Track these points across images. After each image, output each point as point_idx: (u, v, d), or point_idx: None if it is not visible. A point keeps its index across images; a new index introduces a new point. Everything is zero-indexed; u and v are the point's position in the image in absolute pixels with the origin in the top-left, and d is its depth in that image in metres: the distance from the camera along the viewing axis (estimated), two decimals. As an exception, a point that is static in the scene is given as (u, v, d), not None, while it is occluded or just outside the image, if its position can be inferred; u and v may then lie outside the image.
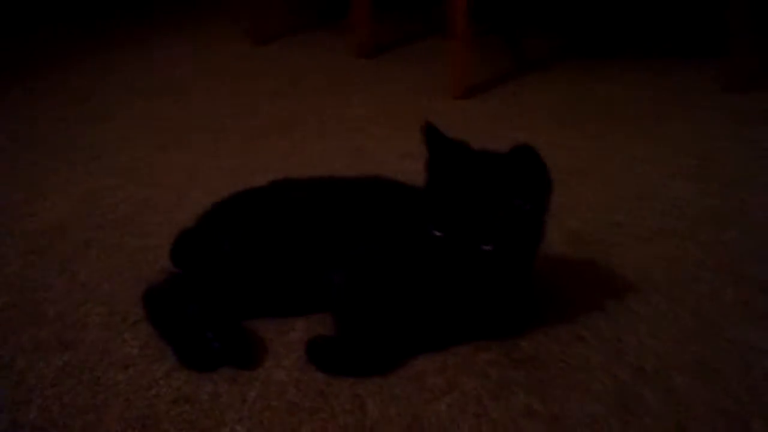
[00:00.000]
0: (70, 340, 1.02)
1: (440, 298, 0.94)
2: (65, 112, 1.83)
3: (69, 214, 1.35)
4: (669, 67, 1.99)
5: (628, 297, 1.06)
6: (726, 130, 1.61)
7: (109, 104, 1.89)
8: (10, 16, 2.52)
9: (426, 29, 2.38)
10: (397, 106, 1.83)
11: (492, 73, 1.98)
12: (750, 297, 1.05)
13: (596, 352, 0.95)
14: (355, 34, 2.21)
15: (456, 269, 0.90)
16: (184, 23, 2.59)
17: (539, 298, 1.02)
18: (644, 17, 2.34)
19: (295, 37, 2.38)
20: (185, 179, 1.48)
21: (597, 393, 0.88)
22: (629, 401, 0.87)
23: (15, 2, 2.58)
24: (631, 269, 1.13)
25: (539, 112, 1.75)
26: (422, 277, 0.94)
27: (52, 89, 1.98)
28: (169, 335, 0.97)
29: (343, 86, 1.99)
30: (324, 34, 2.39)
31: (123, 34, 2.46)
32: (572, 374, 0.91)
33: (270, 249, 1.03)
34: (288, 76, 2.07)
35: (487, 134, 1.61)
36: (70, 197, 1.41)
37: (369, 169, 1.44)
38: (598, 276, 1.12)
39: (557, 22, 2.39)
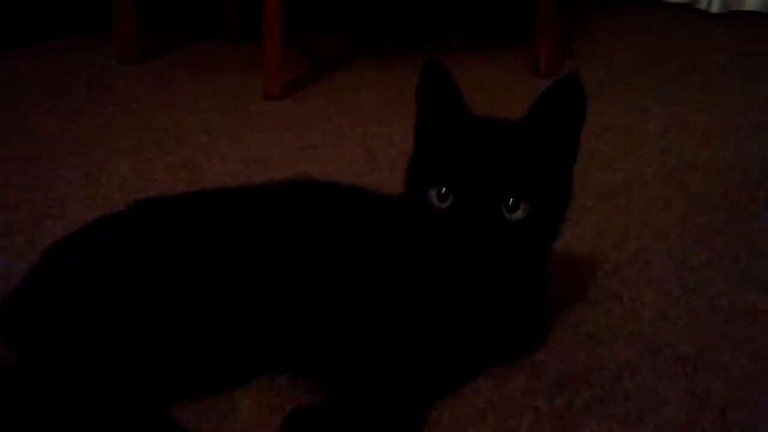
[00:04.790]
0: None
1: (450, 308, 0.69)
2: None
3: None
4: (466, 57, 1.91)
5: (601, 281, 0.92)
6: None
7: None
8: None
9: (194, 33, 2.06)
10: (211, 113, 1.51)
11: (295, 74, 1.74)
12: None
13: (622, 349, 0.78)
14: (118, 38, 1.83)
15: (472, 253, 0.65)
16: None
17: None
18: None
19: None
20: None
21: (663, 401, 0.71)
22: (693, 393, 0.72)
23: None
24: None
25: (367, 106, 1.56)
26: (422, 283, 0.69)
27: None
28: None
29: (131, 96, 1.60)
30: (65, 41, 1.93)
31: None
32: (619, 384, 0.73)
33: (171, 296, 0.69)
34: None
35: (324, 130, 1.41)
36: None
37: (207, 183, 1.15)
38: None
39: (341, 21, 2.23)
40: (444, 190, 0.66)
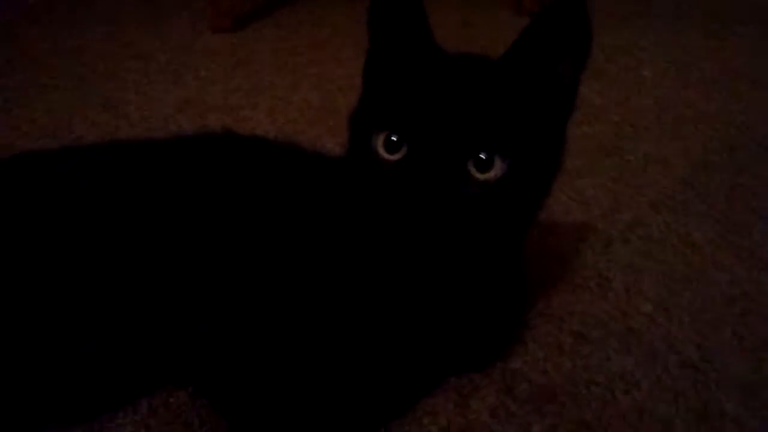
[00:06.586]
0: None
1: (398, 301, 0.54)
2: None
3: None
4: None
5: (589, 261, 0.77)
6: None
7: None
8: None
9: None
10: (148, 46, 1.32)
11: (249, 4, 1.53)
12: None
13: (615, 354, 0.64)
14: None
15: (426, 224, 0.48)
16: None
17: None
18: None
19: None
20: None
21: (666, 426, 0.57)
22: (703, 415, 0.57)
23: None
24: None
25: (328, 42, 1.36)
26: (360, 268, 0.53)
27: None
28: None
29: (57, 21, 1.41)
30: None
31: None
32: (612, 403, 0.59)
33: (22, 287, 0.53)
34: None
35: (276, 69, 1.22)
36: None
37: (130, 129, 0.99)
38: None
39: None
40: (394, 137, 0.49)
